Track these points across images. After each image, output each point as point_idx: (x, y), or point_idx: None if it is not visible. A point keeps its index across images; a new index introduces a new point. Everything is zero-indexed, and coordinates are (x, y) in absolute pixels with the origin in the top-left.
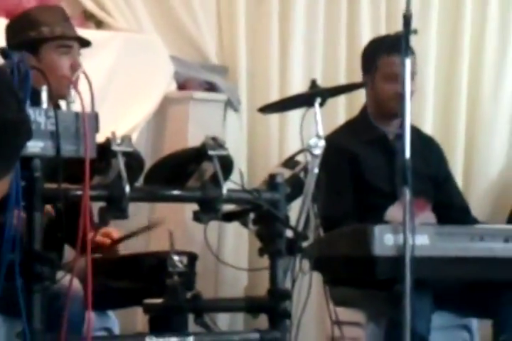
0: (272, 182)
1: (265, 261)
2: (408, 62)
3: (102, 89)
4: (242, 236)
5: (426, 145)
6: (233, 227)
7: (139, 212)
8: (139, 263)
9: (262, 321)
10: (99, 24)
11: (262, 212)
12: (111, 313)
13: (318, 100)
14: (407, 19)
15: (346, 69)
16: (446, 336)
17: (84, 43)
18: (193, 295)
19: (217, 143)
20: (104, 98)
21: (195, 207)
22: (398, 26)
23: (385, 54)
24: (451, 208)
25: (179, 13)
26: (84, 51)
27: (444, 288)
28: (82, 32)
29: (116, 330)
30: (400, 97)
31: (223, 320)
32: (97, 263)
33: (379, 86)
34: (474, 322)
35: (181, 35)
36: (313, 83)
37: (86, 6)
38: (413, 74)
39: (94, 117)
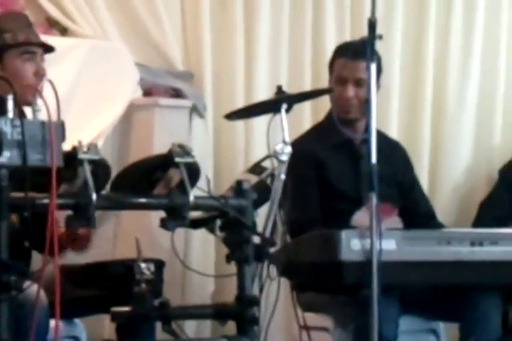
0: (238, 188)
1: (232, 267)
2: (373, 66)
3: (67, 96)
4: (208, 242)
5: (392, 150)
6: (200, 234)
7: (105, 220)
8: (106, 271)
9: (230, 328)
10: (64, 31)
11: (228, 219)
12: (78, 321)
13: (285, 106)
14: (372, 24)
15: (312, 75)
16: (414, 340)
17: (48, 49)
18: (160, 303)
19: (184, 150)
20: (70, 105)
21: (161, 214)
22: (363, 32)
23: (338, 57)
24: (417, 213)
25: (144, 20)
26: (48, 58)
27: (411, 292)
28: (47, 39)
29: (84, 339)
30: (346, 101)
31: (191, 327)
32: (63, 272)
33: (334, 89)
34: (441, 326)
35: (146, 42)
36: (279, 89)
37: (50, 13)
38: (361, 80)
39: (61, 126)
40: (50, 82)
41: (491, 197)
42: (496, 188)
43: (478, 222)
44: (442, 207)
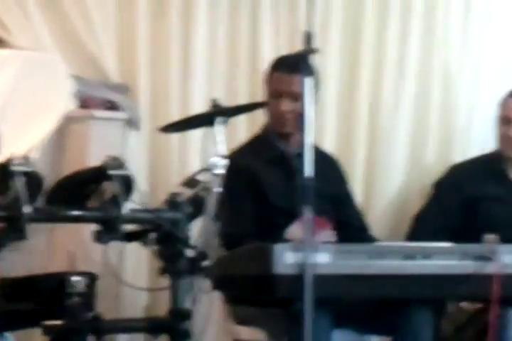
0: (173, 201)
1: (166, 280)
2: (308, 81)
3: (2, 108)
4: (142, 256)
5: (327, 164)
6: (133, 247)
7: (38, 232)
8: (38, 284)
9: None
10: None
11: (163, 232)
12: (9, 335)
13: (220, 119)
14: (308, 38)
15: (248, 88)
16: None
17: None
18: (93, 316)
19: (118, 163)
20: (4, 117)
21: (93, 226)
22: (299, 45)
23: (274, 71)
24: (350, 226)
25: (80, 31)
26: None
27: (344, 305)
28: None
29: None
30: (282, 115)
31: None
32: None
33: (269, 103)
34: (374, 340)
35: (82, 54)
36: (215, 102)
37: None
38: (296, 94)
39: None
40: None
41: (424, 211)
42: (430, 202)
43: (411, 235)
44: (376, 220)
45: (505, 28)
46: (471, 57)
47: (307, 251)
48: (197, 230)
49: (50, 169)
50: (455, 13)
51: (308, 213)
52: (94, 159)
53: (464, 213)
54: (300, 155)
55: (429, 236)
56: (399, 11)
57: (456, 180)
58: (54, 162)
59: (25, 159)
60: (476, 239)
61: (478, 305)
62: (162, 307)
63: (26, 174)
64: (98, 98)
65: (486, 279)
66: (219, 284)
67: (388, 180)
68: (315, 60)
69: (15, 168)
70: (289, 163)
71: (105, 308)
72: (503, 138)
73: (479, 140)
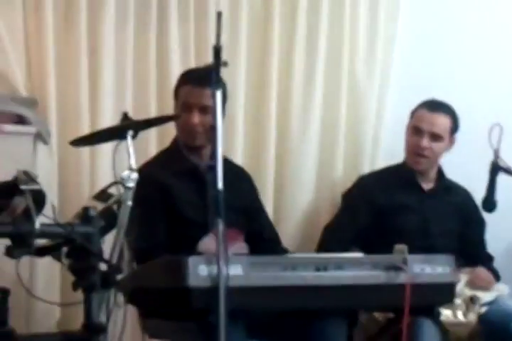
0: (85, 215)
1: (78, 295)
2: (219, 94)
3: None
4: (54, 270)
5: (237, 177)
6: (45, 261)
7: None
8: None
9: None
10: None
11: (75, 246)
12: None
13: (130, 133)
14: (217, 51)
15: (157, 101)
16: None
17: None
18: (6, 332)
19: (29, 177)
20: None
21: (5, 241)
22: (208, 58)
23: (183, 84)
24: (262, 238)
25: None
26: None
27: (258, 317)
28: None
29: None
30: (192, 128)
31: None
32: None
33: (179, 116)
34: None
35: None
36: (125, 116)
37: None
38: (206, 107)
39: None
40: None
41: (334, 221)
42: (339, 212)
43: (322, 246)
44: (287, 232)
45: (411, 39)
46: (378, 69)
47: (220, 263)
48: (109, 244)
49: None
50: (362, 24)
51: (220, 226)
52: (2, 174)
53: (374, 222)
54: (211, 168)
55: (339, 246)
56: (306, 22)
57: (365, 190)
58: None
59: None
60: (387, 247)
61: (390, 315)
62: (75, 322)
63: None
64: (6, 112)
65: (397, 289)
66: (132, 298)
67: (298, 192)
68: (223, 73)
69: None
70: (201, 176)
71: (17, 324)
72: (412, 149)
73: (387, 152)
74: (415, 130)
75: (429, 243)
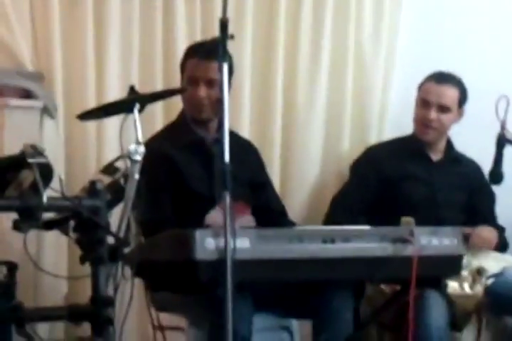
0: (92, 189)
1: (85, 268)
2: (225, 67)
3: None
4: (61, 244)
5: (244, 150)
6: (52, 235)
7: None
8: None
9: (84, 329)
10: None
11: (82, 219)
12: None
13: (137, 106)
14: (223, 24)
15: (163, 75)
16: (268, 337)
17: None
18: (14, 306)
19: (37, 151)
20: None
21: (12, 215)
22: (214, 32)
23: (190, 57)
24: (269, 211)
25: None
26: None
27: (264, 290)
28: None
29: None
30: (198, 101)
31: (43, 329)
32: None
33: (186, 89)
34: (294, 323)
35: None
36: (132, 89)
37: None
38: (213, 80)
39: None
40: None
41: (342, 191)
42: (347, 182)
43: (330, 216)
44: (294, 205)
45: (416, 11)
46: (384, 41)
47: (227, 236)
48: (117, 217)
49: None
50: None
51: (227, 199)
52: (9, 148)
53: (382, 192)
54: (218, 141)
55: (348, 216)
56: None
57: (374, 160)
58: None
59: None
60: (395, 217)
61: (397, 287)
62: (82, 295)
63: None
64: (12, 86)
65: (404, 261)
66: (140, 271)
67: (305, 165)
68: (229, 47)
69: None
70: (207, 149)
71: (24, 297)
72: (420, 120)
73: (393, 124)
74: (423, 102)
75: (436, 213)
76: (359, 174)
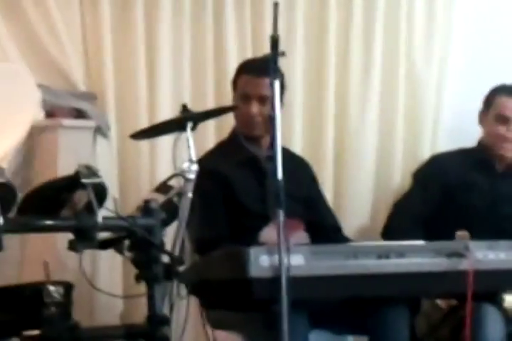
0: (146, 208)
1: (140, 287)
2: (277, 83)
3: None
4: (116, 263)
5: (297, 166)
6: (107, 254)
7: (10, 243)
8: (15, 294)
9: None
10: None
11: (137, 239)
12: None
13: (190, 124)
14: (274, 41)
15: (215, 92)
16: None
17: None
18: (71, 325)
19: (91, 171)
20: None
21: (67, 235)
22: (265, 49)
23: (242, 74)
24: (323, 227)
25: (45, 40)
26: None
27: (320, 306)
28: None
29: None
30: (251, 118)
31: None
32: None
33: (238, 106)
34: (350, 340)
35: (48, 63)
36: (184, 107)
37: None
38: (264, 97)
39: None
40: None
41: (404, 199)
42: (410, 190)
43: (390, 224)
44: (347, 219)
45: (469, 24)
46: (436, 55)
47: (282, 254)
48: (171, 236)
49: (20, 179)
50: (419, 11)
51: (280, 215)
52: (63, 168)
53: (444, 201)
54: (270, 158)
55: (407, 225)
56: (362, 11)
57: (439, 169)
58: (23, 172)
59: None
60: (455, 227)
61: (453, 302)
62: (137, 314)
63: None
64: (65, 107)
65: (459, 276)
66: (195, 289)
67: (358, 179)
68: (281, 63)
69: None
70: (260, 166)
71: (81, 317)
72: (499, 137)
73: (447, 138)
74: (500, 118)
75: (497, 226)
76: (422, 183)
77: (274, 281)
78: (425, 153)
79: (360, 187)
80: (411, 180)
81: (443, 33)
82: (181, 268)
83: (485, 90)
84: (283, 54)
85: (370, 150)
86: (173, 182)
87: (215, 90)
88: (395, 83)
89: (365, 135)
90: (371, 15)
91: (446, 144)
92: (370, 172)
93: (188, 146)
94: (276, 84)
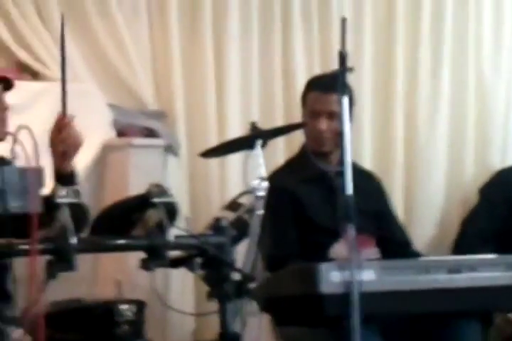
0: (217, 225)
1: (212, 305)
2: (345, 99)
3: (41, 140)
4: (187, 281)
5: (366, 181)
6: (178, 272)
7: (83, 262)
8: (87, 313)
9: None
10: (35, 75)
11: (208, 256)
12: None
13: (260, 142)
14: (342, 57)
15: (283, 109)
16: None
17: (8, 85)
18: None
19: (161, 190)
20: (43, 149)
21: (139, 253)
22: (333, 65)
23: (311, 90)
24: (393, 242)
25: (115, 60)
26: (21, 103)
27: (391, 322)
28: (18, 83)
29: None
30: (320, 134)
31: None
32: (43, 316)
33: (307, 123)
34: None
35: (118, 83)
36: (253, 125)
37: (20, 57)
38: (333, 113)
39: (39, 172)
40: (27, 128)
41: (472, 216)
42: (477, 206)
43: (460, 242)
44: (418, 234)
45: None
46: (505, 67)
47: (353, 269)
48: (242, 253)
49: (91, 198)
50: (486, 23)
51: (351, 231)
52: (134, 187)
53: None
54: (340, 174)
55: (478, 242)
56: (430, 24)
57: (505, 184)
58: (95, 191)
59: (71, 191)
60: None
61: None
62: (209, 332)
63: (72, 205)
64: (136, 126)
65: None
66: (266, 306)
67: (429, 193)
68: (349, 79)
69: (60, 200)
70: (330, 182)
71: (153, 335)
72: None
73: None
74: None
75: None
76: (488, 199)
77: (345, 297)
78: (496, 164)
79: (432, 201)
80: (478, 197)
81: (511, 42)
82: (253, 285)
83: None
84: (351, 70)
85: (440, 162)
86: (243, 200)
87: (284, 107)
88: (464, 94)
89: (435, 147)
90: (439, 27)
91: None
92: (441, 187)
93: (258, 164)
94: (345, 100)
